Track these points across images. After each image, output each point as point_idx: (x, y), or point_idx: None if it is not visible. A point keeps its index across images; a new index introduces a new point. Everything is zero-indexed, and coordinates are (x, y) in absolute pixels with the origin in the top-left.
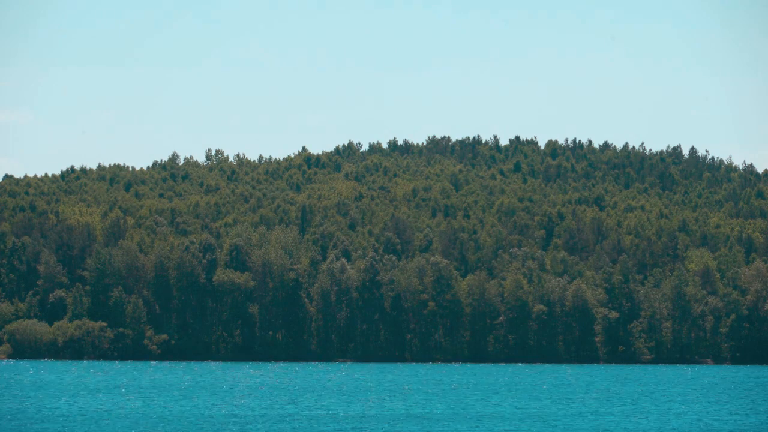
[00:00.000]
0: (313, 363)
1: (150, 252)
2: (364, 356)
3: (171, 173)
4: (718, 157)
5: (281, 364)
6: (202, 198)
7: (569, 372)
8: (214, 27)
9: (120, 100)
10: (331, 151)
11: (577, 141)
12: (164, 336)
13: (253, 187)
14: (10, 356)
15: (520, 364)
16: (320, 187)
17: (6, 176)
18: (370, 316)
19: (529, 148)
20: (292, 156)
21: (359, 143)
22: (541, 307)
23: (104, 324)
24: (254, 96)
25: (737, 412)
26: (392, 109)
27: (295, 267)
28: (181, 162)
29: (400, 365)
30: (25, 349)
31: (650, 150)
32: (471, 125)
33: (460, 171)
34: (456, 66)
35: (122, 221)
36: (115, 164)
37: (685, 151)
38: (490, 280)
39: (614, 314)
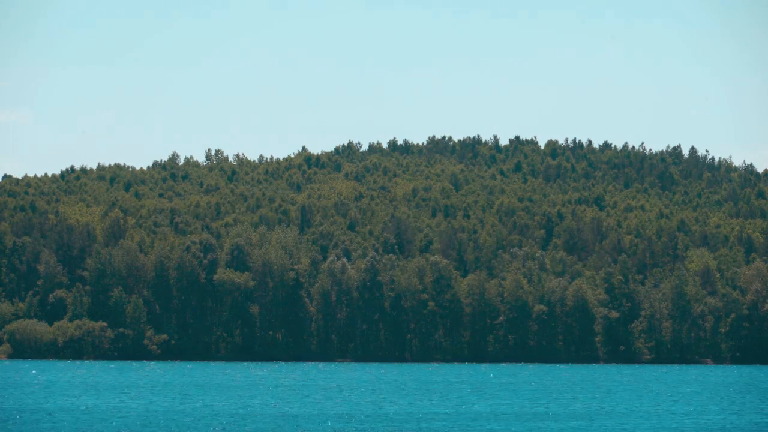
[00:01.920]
0: (315, 362)
1: (150, 252)
2: (364, 356)
3: (171, 173)
4: (718, 157)
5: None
6: (202, 198)
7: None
8: (214, 27)
9: (120, 100)
10: (331, 151)
11: (577, 141)
12: (164, 336)
13: (253, 187)
14: (10, 356)
15: (521, 364)
16: (320, 187)
17: (6, 176)
18: (370, 316)
19: (529, 148)
20: (292, 156)
21: (359, 143)
22: (541, 307)
23: (104, 324)
24: (254, 96)
25: None
26: (392, 109)
27: (295, 267)
28: (181, 162)
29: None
30: (25, 349)
31: (650, 150)
32: (471, 125)
33: (461, 171)
34: (456, 66)
35: (122, 221)
36: (115, 164)
37: (685, 151)
38: (490, 280)
39: (614, 314)
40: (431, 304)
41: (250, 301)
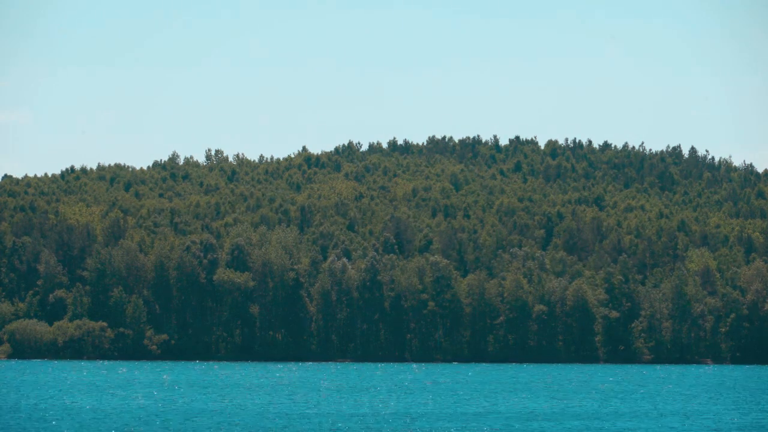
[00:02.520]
0: (316, 362)
1: (150, 252)
2: (364, 356)
3: (171, 173)
4: (718, 157)
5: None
6: (202, 198)
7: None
8: (214, 27)
9: (120, 100)
10: (331, 151)
11: (577, 141)
12: (164, 336)
13: (253, 187)
14: (10, 356)
15: (521, 364)
16: (320, 187)
17: (6, 176)
18: (370, 316)
19: (529, 148)
20: (292, 156)
21: (359, 143)
22: (541, 307)
23: (104, 324)
24: (254, 96)
25: None
26: (392, 109)
27: (295, 267)
28: (181, 162)
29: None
30: (25, 349)
31: (650, 150)
32: (471, 125)
33: (461, 171)
34: (456, 66)
35: (122, 221)
36: (115, 164)
37: (685, 151)
38: (490, 280)
39: (614, 314)
40: (431, 304)
41: (250, 301)
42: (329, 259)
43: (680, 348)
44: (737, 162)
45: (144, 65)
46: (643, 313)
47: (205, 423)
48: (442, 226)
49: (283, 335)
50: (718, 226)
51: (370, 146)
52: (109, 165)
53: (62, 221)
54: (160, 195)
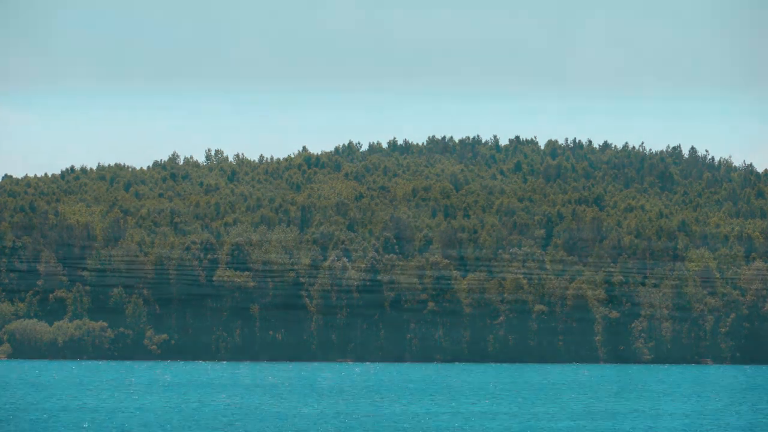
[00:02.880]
0: (318, 362)
1: (150, 252)
2: (364, 356)
3: (171, 173)
4: (718, 157)
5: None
6: (202, 198)
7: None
8: (213, 27)
9: (120, 99)
10: (331, 151)
11: (577, 141)
12: (164, 336)
13: (253, 187)
14: (10, 356)
15: (522, 364)
16: (320, 187)
17: (6, 176)
18: (370, 316)
19: (529, 147)
20: (292, 156)
21: (359, 143)
22: (541, 307)
23: (104, 324)
24: (254, 96)
25: None
26: (392, 109)
27: (295, 267)
28: (181, 162)
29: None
30: (25, 349)
31: (650, 150)
32: (471, 125)
33: (461, 171)
34: (456, 66)
35: (122, 221)
36: (115, 164)
37: (685, 151)
38: (490, 280)
39: (614, 314)
40: (431, 304)
41: (250, 301)
42: (329, 259)
43: (680, 348)
44: (737, 162)
45: (144, 65)
46: (643, 313)
47: (204, 423)
48: (442, 226)
49: (283, 335)
50: (718, 226)
51: (370, 146)
52: (109, 165)
53: (62, 221)
54: (160, 195)
